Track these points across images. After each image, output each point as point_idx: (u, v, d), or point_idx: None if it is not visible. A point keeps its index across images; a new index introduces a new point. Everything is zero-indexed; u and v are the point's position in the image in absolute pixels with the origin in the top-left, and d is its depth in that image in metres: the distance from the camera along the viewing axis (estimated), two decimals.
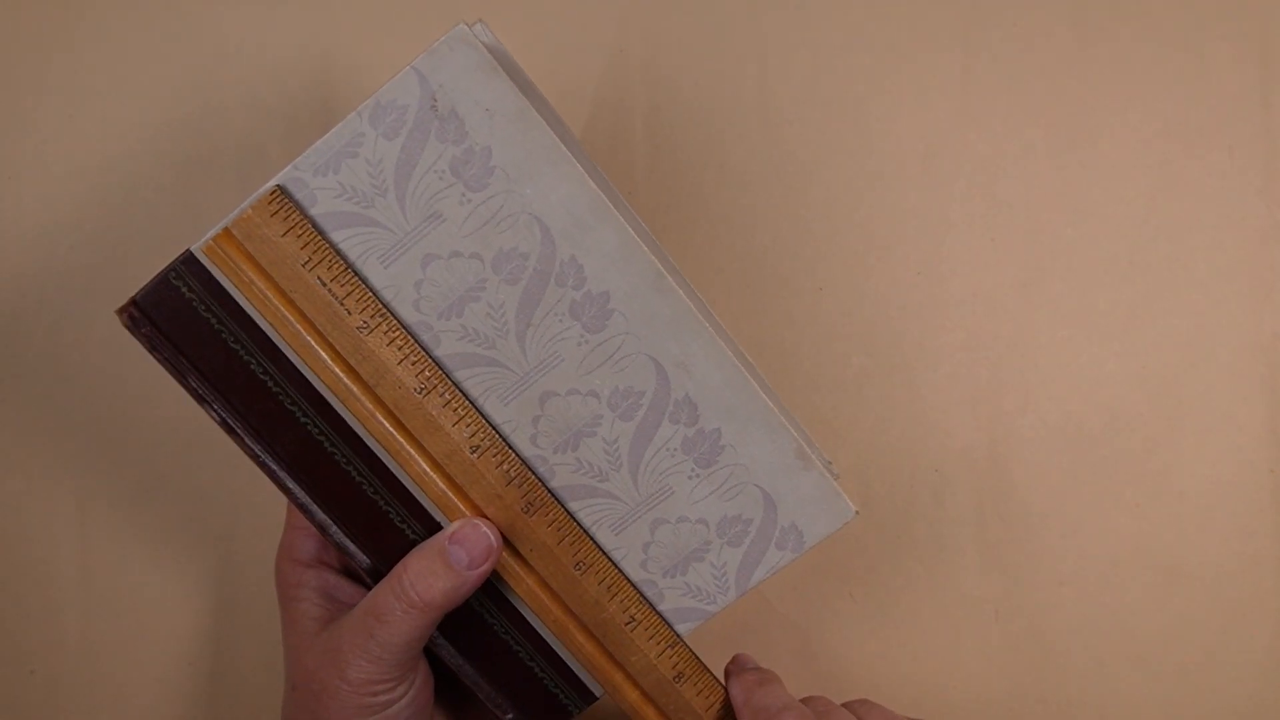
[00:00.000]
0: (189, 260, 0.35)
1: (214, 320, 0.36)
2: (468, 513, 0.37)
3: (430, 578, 0.36)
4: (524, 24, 0.48)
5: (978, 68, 0.48)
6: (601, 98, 0.48)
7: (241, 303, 0.36)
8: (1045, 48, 0.48)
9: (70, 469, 0.47)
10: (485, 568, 0.36)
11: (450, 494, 0.37)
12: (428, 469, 0.37)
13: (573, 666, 0.39)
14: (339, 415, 0.37)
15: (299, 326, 0.36)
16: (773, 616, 0.48)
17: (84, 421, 0.47)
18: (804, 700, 0.39)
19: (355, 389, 0.36)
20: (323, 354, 0.36)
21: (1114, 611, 0.47)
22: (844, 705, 0.39)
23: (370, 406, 0.36)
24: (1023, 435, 0.47)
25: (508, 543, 0.38)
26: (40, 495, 0.47)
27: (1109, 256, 0.48)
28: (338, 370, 0.36)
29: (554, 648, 0.39)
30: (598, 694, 0.40)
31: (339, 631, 0.37)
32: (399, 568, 0.37)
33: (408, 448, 0.37)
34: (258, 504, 0.47)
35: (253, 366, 0.36)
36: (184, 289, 0.36)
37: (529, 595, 0.38)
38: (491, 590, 0.39)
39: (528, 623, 0.39)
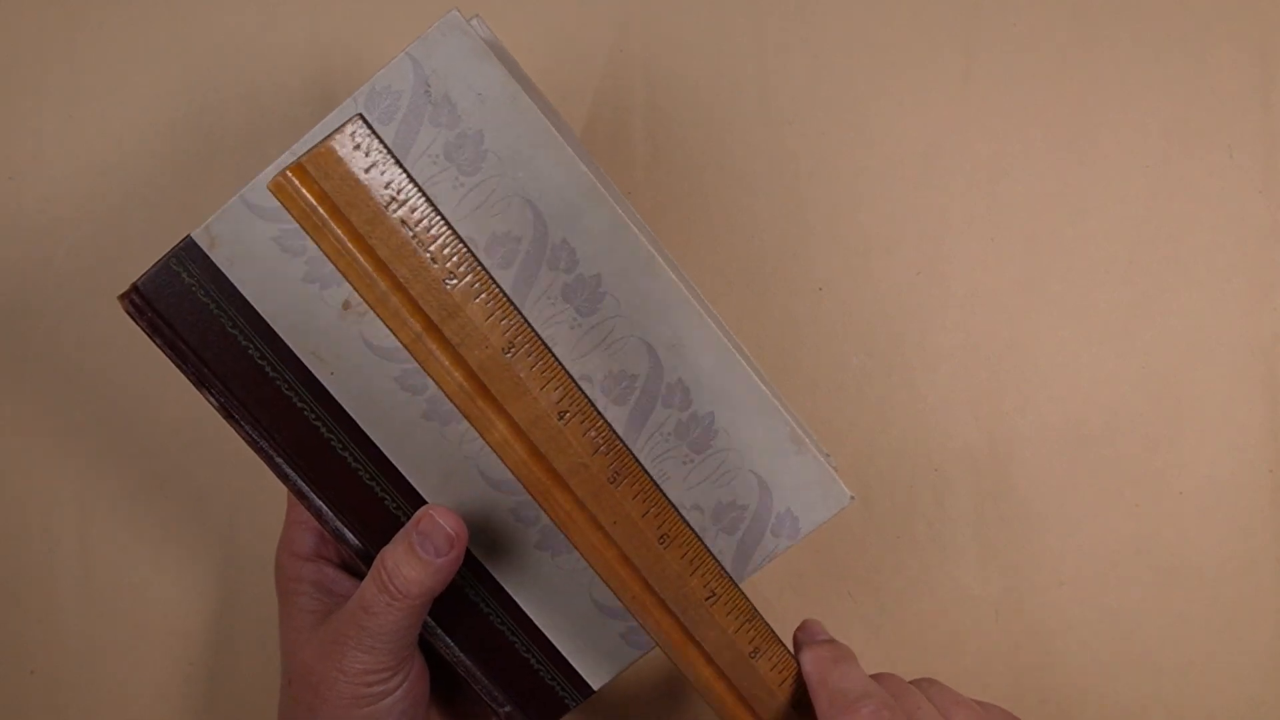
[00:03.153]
0: (189, 246, 0.36)
1: (213, 305, 0.36)
2: (548, 483, 0.35)
3: (405, 569, 0.36)
4: (525, 23, 0.48)
5: (978, 68, 0.48)
6: (601, 98, 0.48)
7: (241, 288, 0.36)
8: (1045, 48, 0.48)
9: (70, 468, 0.47)
10: (453, 554, 0.36)
11: (531, 463, 0.34)
12: (509, 436, 0.34)
13: (571, 659, 0.39)
14: (336, 401, 0.37)
15: (376, 276, 0.32)
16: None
17: (84, 421, 0.47)
18: (874, 677, 0.37)
19: (435, 348, 0.33)
20: (400, 308, 0.33)
21: (1114, 611, 0.47)
22: (912, 683, 0.38)
23: (448, 365, 0.33)
24: (1023, 435, 0.47)
25: (591, 515, 0.35)
26: (40, 495, 0.47)
27: (1109, 256, 0.48)
28: (417, 326, 0.33)
29: (551, 639, 0.39)
30: (595, 687, 0.40)
31: (335, 624, 0.37)
32: (378, 559, 0.37)
33: (489, 413, 0.34)
34: (258, 504, 0.47)
35: (251, 352, 0.36)
36: (184, 275, 0.36)
37: (608, 572, 0.36)
38: (489, 580, 0.39)
39: (525, 614, 0.39)
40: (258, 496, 0.47)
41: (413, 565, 0.36)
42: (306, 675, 0.37)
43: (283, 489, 0.46)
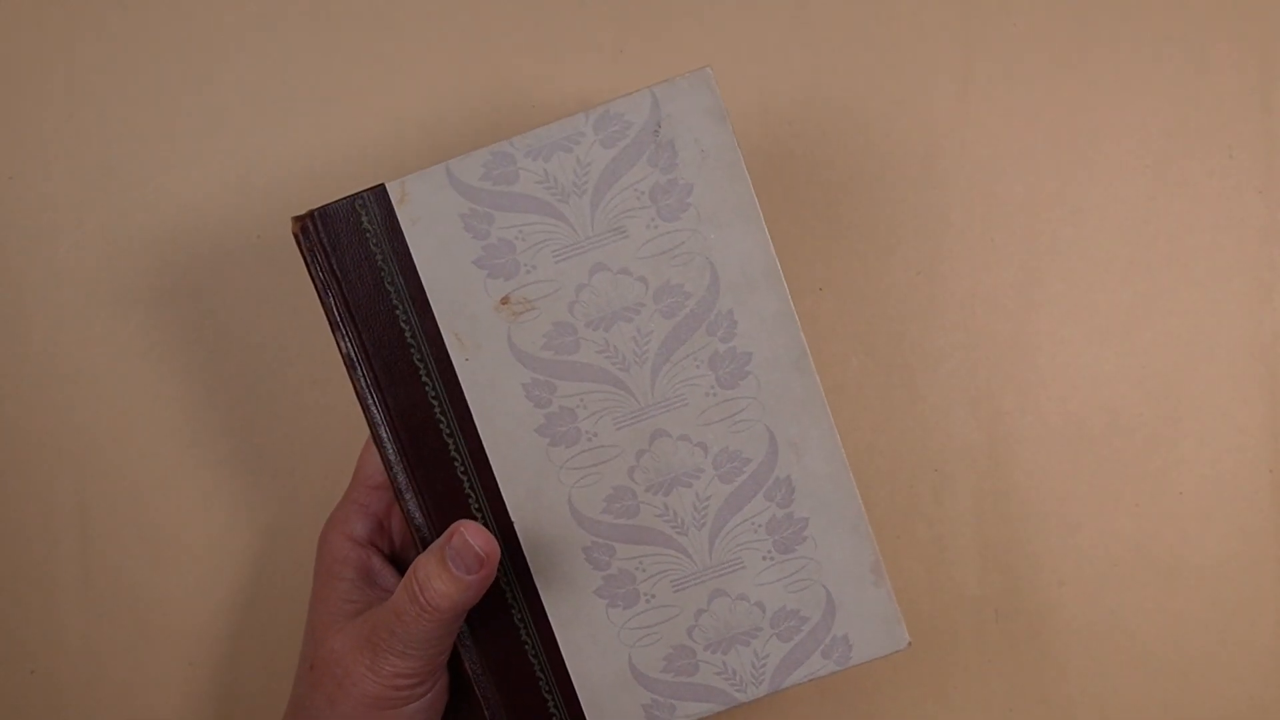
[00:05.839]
0: (380, 194, 0.37)
1: (380, 257, 0.37)
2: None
3: (436, 582, 0.36)
4: (525, 23, 0.48)
5: (978, 68, 0.48)
6: (602, 97, 0.48)
7: (413, 250, 0.37)
8: (1045, 48, 0.48)
9: (70, 469, 0.47)
10: (483, 574, 0.36)
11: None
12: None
13: (588, 716, 0.39)
14: (460, 387, 0.37)
15: None
16: None
17: (84, 421, 0.47)
18: None
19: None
20: None
21: (1114, 611, 0.47)
22: None
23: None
24: (1023, 435, 0.47)
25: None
26: (40, 495, 0.47)
27: (1109, 256, 0.48)
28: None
29: (576, 689, 0.39)
30: None
31: (370, 622, 0.37)
32: (412, 567, 0.36)
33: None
34: (258, 504, 0.47)
35: (398, 312, 0.37)
36: (364, 218, 0.37)
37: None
38: (537, 606, 0.38)
39: (559, 654, 0.38)
40: (258, 496, 0.47)
41: (443, 579, 0.36)
42: (332, 665, 0.37)
43: (283, 489, 0.46)
